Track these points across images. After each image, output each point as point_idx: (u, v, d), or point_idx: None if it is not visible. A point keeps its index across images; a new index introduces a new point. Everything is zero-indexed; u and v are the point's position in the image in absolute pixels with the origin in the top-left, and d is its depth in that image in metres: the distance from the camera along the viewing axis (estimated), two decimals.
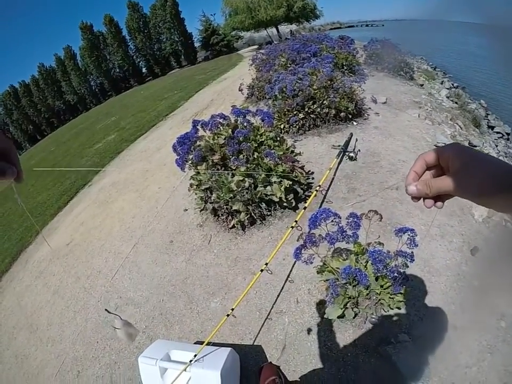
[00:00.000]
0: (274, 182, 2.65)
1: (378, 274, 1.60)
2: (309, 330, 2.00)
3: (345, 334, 1.91)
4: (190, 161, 2.82)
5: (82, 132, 14.54)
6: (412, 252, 1.49)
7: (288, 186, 2.66)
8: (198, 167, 2.86)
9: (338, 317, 1.88)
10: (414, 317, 1.88)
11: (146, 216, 3.74)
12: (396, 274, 1.52)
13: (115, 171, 5.67)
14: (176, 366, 1.69)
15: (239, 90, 5.43)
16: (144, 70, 38.69)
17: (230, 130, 2.80)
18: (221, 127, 2.82)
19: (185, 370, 1.64)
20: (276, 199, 2.68)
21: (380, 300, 1.75)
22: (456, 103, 5.94)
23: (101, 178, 5.91)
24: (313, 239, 1.54)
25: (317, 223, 1.48)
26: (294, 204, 2.79)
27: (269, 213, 2.85)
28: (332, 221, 1.50)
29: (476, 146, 3.99)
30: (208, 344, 1.84)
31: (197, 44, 34.66)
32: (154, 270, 2.94)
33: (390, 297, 1.71)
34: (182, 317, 2.44)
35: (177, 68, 36.14)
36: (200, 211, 3.21)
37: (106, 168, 6.14)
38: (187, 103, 9.34)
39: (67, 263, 3.94)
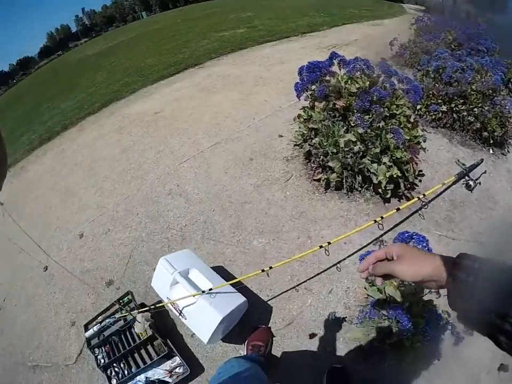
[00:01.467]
0: (384, 163, 2.35)
1: (420, 331, 1.48)
2: (321, 324, 1.94)
3: (352, 356, 1.80)
4: (310, 92, 2.62)
5: (213, 15, 14.84)
6: (463, 337, 1.45)
7: (394, 176, 2.36)
8: (316, 103, 2.65)
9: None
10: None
11: (240, 122, 3.68)
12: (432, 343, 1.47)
13: (230, 64, 5.68)
14: (188, 287, 1.74)
15: (390, 44, 4.94)
16: None
17: (368, 83, 2.48)
18: (360, 74, 2.50)
19: (193, 296, 1.69)
20: (375, 181, 2.41)
21: (401, 353, 1.59)
22: None
23: (213, 66, 5.96)
24: None
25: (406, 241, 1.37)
26: (388, 196, 2.50)
27: (359, 188, 2.60)
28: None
29: None
30: (232, 284, 1.86)
31: None
32: (220, 178, 2.93)
33: (412, 358, 1.57)
34: (222, 236, 2.45)
35: None
36: (294, 145, 3.03)
37: (221, 58, 6.20)
38: (330, 31, 8.71)
39: (147, 130, 4.22)
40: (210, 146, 3.39)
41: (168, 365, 1.86)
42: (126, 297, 2.15)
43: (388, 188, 2.44)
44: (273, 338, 1.86)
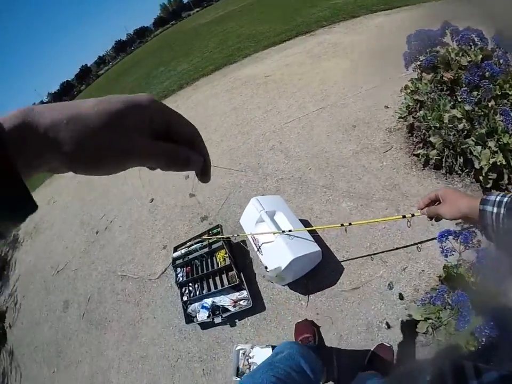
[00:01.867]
0: (489, 147, 2.18)
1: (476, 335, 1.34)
2: (384, 298, 1.95)
3: (402, 336, 1.82)
4: (418, 63, 2.53)
5: None
6: None
7: (498, 163, 2.16)
8: (424, 74, 2.56)
9: (414, 318, 1.77)
10: None
11: (347, 90, 3.77)
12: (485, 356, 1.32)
13: (342, 33, 5.66)
14: (271, 225, 1.97)
15: None
16: None
17: (480, 56, 2.29)
18: (473, 47, 2.32)
19: (273, 233, 1.90)
20: (476, 166, 2.25)
21: (452, 349, 1.53)
22: None
23: (325, 34, 6.00)
24: (469, 239, 1.33)
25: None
26: (489, 186, 2.29)
27: (459, 171, 2.46)
28: None
29: None
30: (310, 232, 2.04)
31: None
32: (322, 140, 3.13)
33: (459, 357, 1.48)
34: (313, 193, 2.67)
35: None
36: (399, 117, 3.03)
37: (333, 27, 6.16)
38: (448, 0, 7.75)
39: (256, 91, 4.60)
40: (315, 110, 3.59)
41: (235, 295, 2.14)
42: (216, 229, 2.54)
43: (489, 177, 2.26)
44: (319, 328, 1.91)
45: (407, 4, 7.35)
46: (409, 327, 1.84)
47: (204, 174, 0.42)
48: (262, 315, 2.09)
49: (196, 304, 2.21)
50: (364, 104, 3.39)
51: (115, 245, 3.37)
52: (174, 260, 2.52)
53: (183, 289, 2.34)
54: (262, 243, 2.00)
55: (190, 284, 2.35)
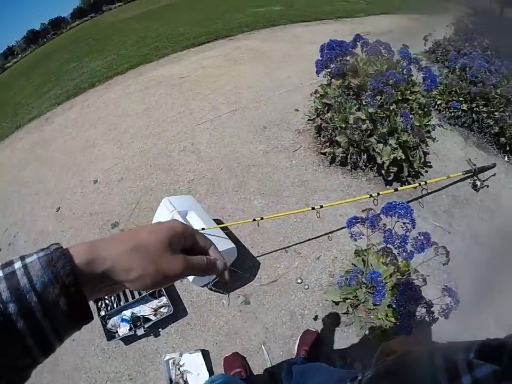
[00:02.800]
0: (390, 144, 2.54)
1: (393, 305, 1.55)
2: (303, 287, 2.12)
3: (324, 318, 1.99)
4: (329, 70, 2.83)
5: None
6: (437, 318, 1.44)
7: (398, 158, 2.54)
8: (333, 80, 2.87)
9: (333, 301, 1.97)
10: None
11: (260, 94, 3.97)
12: (405, 321, 1.48)
13: (261, 39, 5.95)
14: None
15: (424, 39, 5.03)
16: None
17: (386, 66, 2.66)
18: (380, 57, 2.68)
19: None
20: (379, 161, 2.60)
21: (372, 323, 1.76)
22: None
23: (244, 39, 6.25)
24: (375, 222, 1.50)
25: (391, 213, 1.44)
26: (390, 178, 2.68)
27: (363, 167, 2.81)
28: (404, 224, 1.43)
29: None
30: (222, 229, 2.11)
31: None
32: (233, 141, 3.24)
33: (382, 330, 1.70)
34: (225, 193, 2.75)
35: None
36: (308, 120, 3.28)
37: (253, 33, 6.45)
38: (366, 18, 8.70)
39: (171, 92, 4.57)
40: (228, 112, 3.71)
41: (154, 303, 2.10)
42: None
43: (391, 170, 2.62)
44: (245, 358, 1.91)
45: (326, 18, 8.07)
46: (330, 310, 2.01)
47: (222, 276, 0.53)
48: (185, 320, 2.07)
49: (115, 318, 2.08)
50: (276, 107, 3.60)
51: None
52: None
53: (99, 304, 2.18)
54: None
55: (106, 297, 2.19)
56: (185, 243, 0.47)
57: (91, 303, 2.17)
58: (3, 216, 3.74)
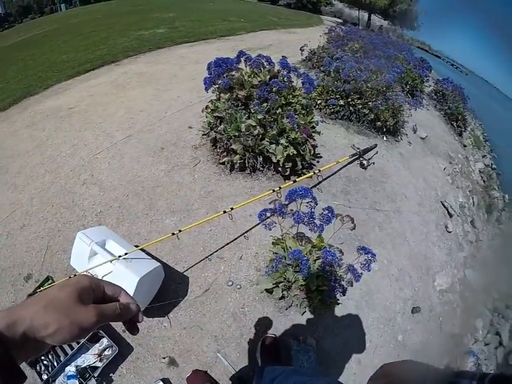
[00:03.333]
0: (281, 144, 2.67)
1: (320, 274, 1.67)
2: (236, 287, 2.10)
3: (264, 309, 2.01)
4: (217, 86, 2.83)
5: (135, 13, 14.09)
6: (361, 273, 1.54)
7: (291, 154, 2.69)
8: (221, 94, 2.89)
9: (266, 290, 1.98)
10: (330, 330, 2.01)
11: (153, 116, 3.76)
12: (336, 284, 1.61)
13: (147, 62, 5.62)
14: (106, 255, 1.78)
15: (300, 49, 5.36)
16: None
17: (268, 76, 2.79)
18: (262, 69, 2.80)
19: (110, 262, 1.74)
20: (274, 160, 2.71)
21: (309, 296, 1.81)
22: (484, 181, 5.94)
23: (130, 64, 5.82)
24: (283, 210, 1.58)
25: (293, 197, 1.53)
26: (287, 173, 2.82)
27: (261, 168, 2.89)
28: (308, 203, 1.54)
29: (475, 228, 3.99)
30: (143, 250, 1.97)
31: None
32: (133, 166, 3.01)
33: (318, 300, 1.77)
34: (136, 219, 2.55)
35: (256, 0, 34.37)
36: (203, 135, 3.23)
37: (138, 57, 6.06)
38: (247, 35, 9.03)
39: (60, 125, 4.02)
40: (123, 138, 3.43)
41: (96, 348, 1.81)
42: (46, 282, 2.12)
43: (286, 166, 2.75)
44: (206, 372, 1.78)
45: (208, 38, 8.03)
46: (267, 300, 2.02)
47: (133, 327, 0.55)
48: (134, 355, 1.84)
49: (60, 377, 1.74)
50: (170, 128, 3.45)
51: None
52: None
53: (38, 367, 1.79)
54: (102, 276, 1.78)
55: (43, 358, 1.81)
56: (95, 294, 0.47)
57: (31, 370, 1.80)
58: None
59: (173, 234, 1.93)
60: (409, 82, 5.62)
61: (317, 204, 1.55)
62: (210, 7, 16.22)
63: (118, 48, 6.80)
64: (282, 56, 2.95)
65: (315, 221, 1.54)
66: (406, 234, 2.92)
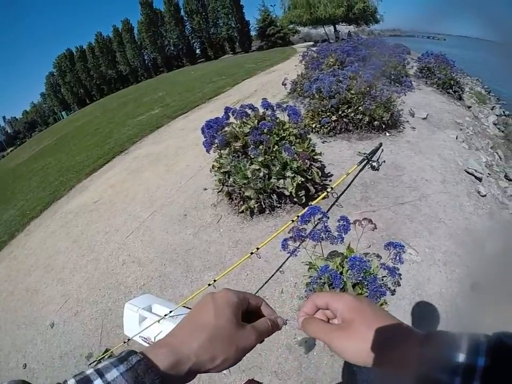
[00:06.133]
0: (288, 176, 2.85)
1: (355, 281, 1.68)
2: (288, 322, 2.25)
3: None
4: (215, 145, 3.08)
5: (129, 103, 15.70)
6: (396, 267, 1.54)
7: (300, 182, 2.85)
8: (221, 151, 3.17)
9: None
10: None
11: (169, 189, 4.20)
12: (375, 286, 1.57)
13: (151, 143, 6.28)
14: (153, 317, 2.04)
15: (283, 85, 5.53)
16: (198, 51, 40.53)
17: (256, 121, 3.03)
18: (250, 117, 3.06)
19: (158, 322, 1.97)
20: (287, 193, 2.90)
21: None
22: (502, 131, 5.69)
23: (137, 149, 6.53)
24: (301, 233, 1.69)
25: (305, 219, 1.61)
26: (304, 201, 2.96)
27: (278, 205, 3.09)
28: (320, 220, 1.61)
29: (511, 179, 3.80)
30: (185, 306, 2.19)
31: (252, 33, 35.95)
32: (164, 237, 3.36)
33: None
34: (177, 283, 2.81)
35: (230, 54, 37.31)
36: (217, 192, 3.55)
37: (143, 140, 6.76)
38: (232, 89, 9.76)
39: (91, 218, 4.53)
40: (148, 215, 3.84)
41: None
42: (105, 355, 2.33)
43: (300, 195, 2.92)
44: None
45: (200, 103, 8.79)
46: None
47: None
48: None
49: None
50: (187, 195, 3.86)
51: None
52: None
53: None
54: (154, 337, 1.98)
55: None
56: (242, 307, 0.46)
57: None
58: None
59: (209, 285, 2.11)
60: (392, 72, 5.66)
61: (328, 218, 1.60)
62: (192, 75, 17.75)
63: (123, 138, 7.61)
64: (262, 98, 3.15)
65: (333, 234, 1.58)
66: (439, 215, 2.84)
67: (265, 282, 2.50)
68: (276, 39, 30.65)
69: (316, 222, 1.61)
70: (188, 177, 4.21)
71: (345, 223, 1.59)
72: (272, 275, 2.53)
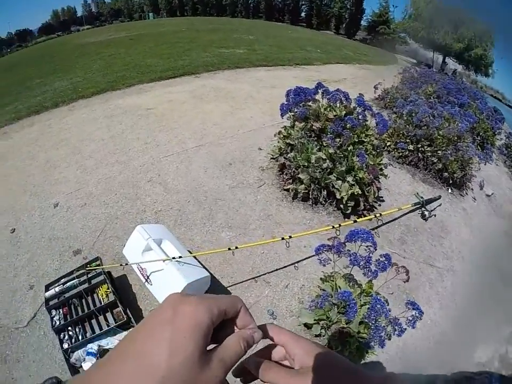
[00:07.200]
0: (348, 181, 2.74)
1: (365, 320, 1.65)
2: (275, 316, 2.13)
3: None
4: (292, 113, 3.01)
5: (218, 31, 15.42)
6: (405, 329, 1.53)
7: (355, 193, 2.75)
8: (296, 122, 3.05)
9: (305, 325, 2.00)
10: None
11: (225, 131, 4.04)
12: (377, 334, 1.56)
13: (225, 79, 6.09)
14: (160, 253, 1.91)
15: (374, 87, 5.49)
16: (303, 13, 39.35)
17: (344, 112, 2.93)
18: (338, 104, 2.96)
19: (163, 261, 1.86)
20: (338, 196, 2.78)
21: (347, 340, 1.78)
22: None
23: (209, 78, 6.37)
24: (340, 249, 1.63)
25: (354, 238, 1.57)
26: (348, 212, 2.87)
27: (323, 202, 2.96)
28: (367, 247, 1.57)
29: None
30: (195, 258, 2.09)
31: (363, 22, 34.45)
32: (199, 175, 3.23)
33: (356, 346, 1.75)
34: (193, 225, 2.71)
35: (332, 32, 35.91)
36: (271, 158, 3.39)
37: (218, 73, 6.58)
38: (322, 66, 9.39)
39: (137, 122, 4.47)
40: (194, 146, 3.71)
41: (123, 335, 1.83)
42: (94, 263, 2.25)
43: (348, 204, 2.82)
44: None
45: (286, 64, 8.50)
46: (303, 334, 1.97)
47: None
48: None
49: (80, 351, 1.84)
50: (240, 145, 3.68)
51: None
52: (47, 300, 2.10)
53: (62, 335, 1.93)
54: (151, 272, 1.90)
55: (70, 328, 1.96)
56: (215, 325, 0.34)
57: (54, 336, 1.98)
58: None
59: (229, 249, 2.01)
60: (480, 134, 5.42)
61: (375, 250, 1.57)
62: (289, 35, 17.23)
63: (199, 61, 7.46)
64: (359, 94, 3.06)
65: (371, 266, 1.57)
66: (456, 296, 2.81)
67: (276, 270, 2.40)
68: (382, 39, 29.35)
69: (359, 245, 1.59)
70: (248, 129, 4.02)
71: (386, 262, 1.57)
72: (286, 266, 2.43)
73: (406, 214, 3.20)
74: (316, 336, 1.97)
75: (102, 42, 16.02)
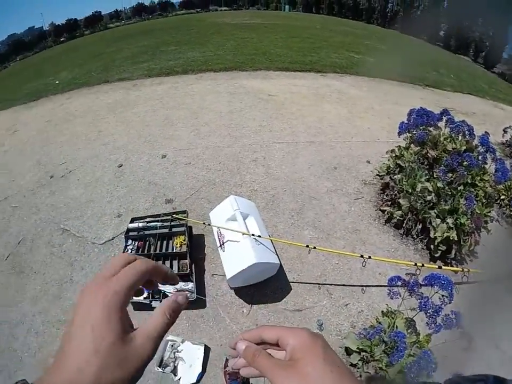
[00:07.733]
0: (447, 223, 2.51)
1: (405, 371, 1.52)
2: (323, 328, 2.08)
3: None
4: (410, 134, 2.88)
5: (349, 35, 15.09)
6: None
7: (451, 238, 2.50)
8: (412, 145, 2.91)
9: (346, 349, 1.94)
10: None
11: (338, 136, 4.04)
12: None
13: (350, 84, 6.04)
14: (242, 226, 2.02)
15: (503, 130, 4.48)
16: (441, 33, 36.47)
17: (464, 147, 2.70)
18: (460, 138, 2.74)
19: (242, 234, 1.96)
20: (431, 235, 2.57)
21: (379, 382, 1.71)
22: None
23: (335, 79, 6.39)
24: (414, 289, 1.54)
25: (433, 282, 1.48)
26: (437, 255, 2.63)
27: (415, 236, 2.77)
28: (442, 296, 1.47)
29: None
30: (272, 243, 2.15)
31: (504, 54, 30.17)
32: (303, 170, 3.32)
33: None
34: (280, 214, 2.82)
35: (470, 59, 32.13)
36: (377, 175, 3.29)
37: (344, 77, 6.53)
38: (452, 93, 8.34)
39: (257, 104, 4.73)
40: (305, 141, 3.79)
41: (180, 285, 2.03)
42: (181, 214, 2.47)
43: (439, 248, 2.58)
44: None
45: (415, 83, 8.02)
46: (340, 355, 1.95)
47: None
48: (201, 312, 2.06)
49: None
50: (350, 153, 3.63)
51: (67, 196, 3.14)
52: (128, 230, 2.39)
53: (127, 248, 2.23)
54: (227, 240, 2.02)
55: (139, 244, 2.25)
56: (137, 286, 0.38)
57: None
58: (67, 151, 3.92)
59: (307, 246, 2.04)
60: None
61: (450, 302, 1.47)
62: (423, 52, 16.16)
63: (328, 61, 7.50)
64: (485, 132, 2.77)
65: (437, 318, 1.46)
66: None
67: (343, 285, 2.33)
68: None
69: (435, 292, 1.51)
70: (362, 139, 3.94)
71: (455, 320, 1.45)
72: (354, 285, 2.34)
73: None
74: (351, 365, 1.90)
75: (236, 24, 17.11)
